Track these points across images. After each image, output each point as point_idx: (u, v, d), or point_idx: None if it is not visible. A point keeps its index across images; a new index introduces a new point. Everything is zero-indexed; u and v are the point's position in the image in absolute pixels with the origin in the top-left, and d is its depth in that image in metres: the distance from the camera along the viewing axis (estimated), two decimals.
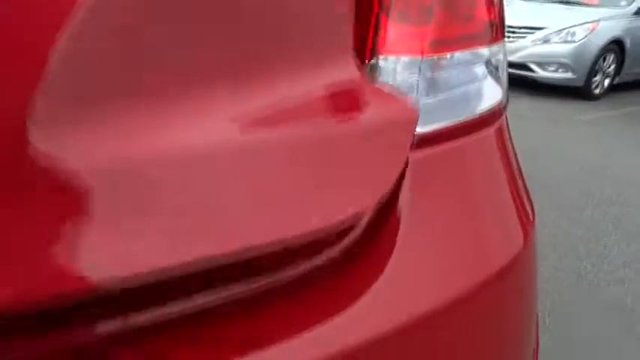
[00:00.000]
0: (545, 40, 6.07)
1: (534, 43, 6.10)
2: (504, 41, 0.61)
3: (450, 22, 0.54)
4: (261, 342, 0.32)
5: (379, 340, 0.36)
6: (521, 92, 5.86)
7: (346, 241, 0.39)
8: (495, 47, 0.59)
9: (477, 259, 0.45)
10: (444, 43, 0.54)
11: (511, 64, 6.05)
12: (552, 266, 2.34)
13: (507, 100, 0.61)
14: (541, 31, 6.09)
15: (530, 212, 0.55)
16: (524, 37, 6.14)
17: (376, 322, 0.36)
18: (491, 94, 0.58)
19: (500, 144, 0.56)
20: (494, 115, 0.57)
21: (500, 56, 0.60)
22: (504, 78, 0.60)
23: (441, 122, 0.52)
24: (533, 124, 4.72)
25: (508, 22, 6.25)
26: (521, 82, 6.00)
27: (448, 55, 0.55)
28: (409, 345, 0.38)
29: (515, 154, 0.60)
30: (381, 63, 0.50)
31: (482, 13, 0.58)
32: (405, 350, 0.38)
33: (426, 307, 0.39)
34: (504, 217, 0.51)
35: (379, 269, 0.39)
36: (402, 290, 0.38)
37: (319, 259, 0.37)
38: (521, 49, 6.08)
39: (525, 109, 5.25)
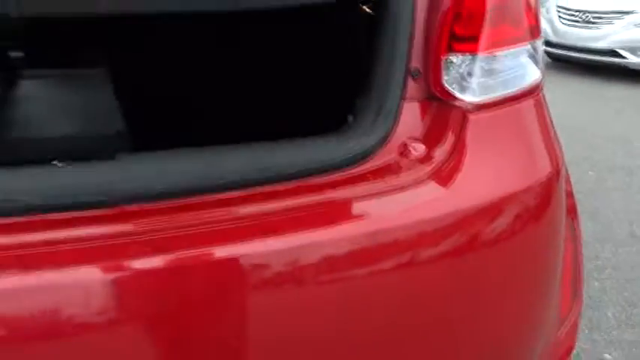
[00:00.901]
0: (636, 24, 5.82)
1: (624, 28, 5.88)
2: (541, 36, 0.87)
3: (504, 29, 0.82)
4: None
5: (458, 210, 0.67)
6: (611, 79, 5.67)
7: (438, 158, 0.71)
8: (535, 42, 0.85)
9: (524, 171, 0.74)
10: (499, 43, 0.81)
11: (599, 52, 5.86)
12: None
13: (543, 78, 0.87)
14: (631, 15, 5.85)
15: (559, 151, 0.82)
16: (612, 23, 5.93)
17: (456, 199, 0.68)
18: (531, 75, 0.84)
19: (538, 108, 0.83)
20: (533, 89, 0.84)
21: (539, 47, 0.86)
22: (541, 63, 0.86)
23: (495, 94, 0.80)
24: (625, 111, 4.61)
25: (594, 6, 6.06)
26: (611, 68, 5.80)
27: (501, 51, 0.82)
28: (479, 219, 0.68)
29: (550, 116, 0.86)
30: (453, 58, 0.79)
31: (526, 20, 0.85)
32: (480, 221, 0.69)
33: (494, 195, 0.70)
34: (541, 150, 0.79)
35: (456, 172, 0.71)
36: (468, 184, 0.69)
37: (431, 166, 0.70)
38: (609, 35, 5.88)
39: (615, 96, 5.11)
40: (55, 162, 0.72)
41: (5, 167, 0.63)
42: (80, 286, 0.56)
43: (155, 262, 0.61)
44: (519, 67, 0.83)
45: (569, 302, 0.98)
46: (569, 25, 6.16)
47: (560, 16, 6.30)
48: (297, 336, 0.65)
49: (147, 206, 0.62)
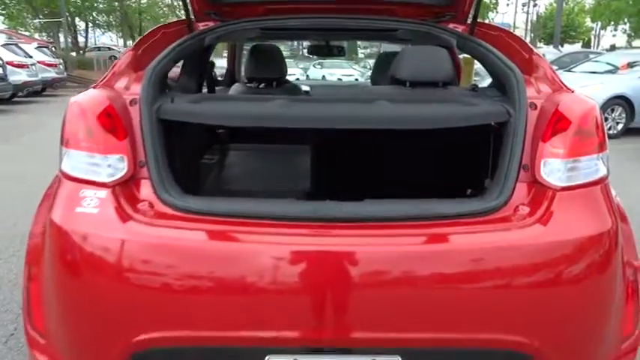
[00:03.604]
0: None
1: None
2: (607, 148, 1.42)
3: (583, 143, 1.38)
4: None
5: (551, 243, 1.26)
6: None
7: (537, 215, 1.30)
8: (603, 153, 1.40)
9: (592, 224, 1.31)
10: (578, 153, 1.38)
11: None
12: None
13: (608, 173, 1.40)
14: None
15: (617, 215, 1.36)
16: None
17: (546, 237, 1.27)
18: (601, 171, 1.39)
19: (603, 190, 1.38)
20: (601, 180, 1.39)
21: (605, 156, 1.40)
22: (607, 164, 1.40)
23: (575, 182, 1.36)
24: None
25: None
26: None
27: (580, 157, 1.38)
28: (566, 251, 1.26)
29: (611, 194, 1.40)
30: (549, 160, 1.37)
31: (597, 139, 1.40)
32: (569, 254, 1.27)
33: (570, 236, 1.28)
34: (605, 214, 1.35)
35: (547, 221, 1.31)
36: (556, 228, 1.29)
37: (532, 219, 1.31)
38: None
39: None
40: (328, 200, 1.41)
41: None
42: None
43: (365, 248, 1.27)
44: (593, 167, 1.39)
45: (632, 325, 1.43)
46: None
47: None
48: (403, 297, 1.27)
49: (376, 224, 1.32)
